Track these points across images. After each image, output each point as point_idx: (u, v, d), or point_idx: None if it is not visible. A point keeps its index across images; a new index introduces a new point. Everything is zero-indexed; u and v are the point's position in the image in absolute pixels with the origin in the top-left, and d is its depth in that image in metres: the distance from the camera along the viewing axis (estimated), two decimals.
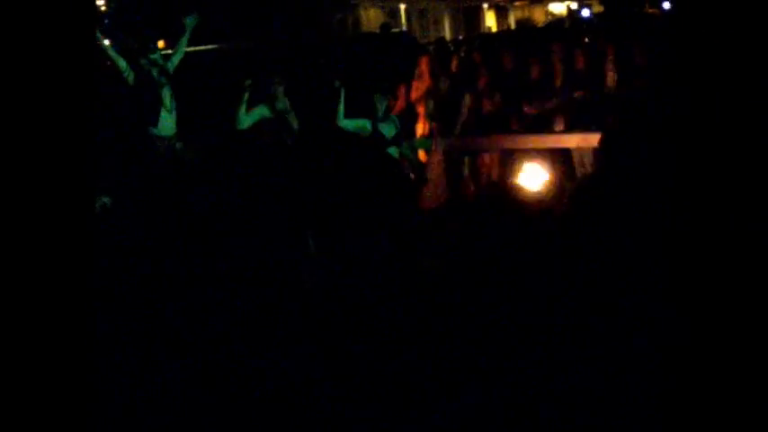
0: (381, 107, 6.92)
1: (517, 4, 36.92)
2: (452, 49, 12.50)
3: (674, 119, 3.04)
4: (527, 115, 7.73)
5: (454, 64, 8.67)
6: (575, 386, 4.04)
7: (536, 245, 5.86)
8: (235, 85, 6.81)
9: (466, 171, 7.87)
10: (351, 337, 4.82)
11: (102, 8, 15.92)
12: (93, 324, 2.92)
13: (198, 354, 4.69)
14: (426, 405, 4.03)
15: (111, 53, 7.46)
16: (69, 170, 2.80)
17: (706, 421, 2.95)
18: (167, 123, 7.52)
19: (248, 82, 6.68)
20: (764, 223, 2.85)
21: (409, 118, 7.84)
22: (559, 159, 7.33)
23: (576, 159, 7.37)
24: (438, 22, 28.58)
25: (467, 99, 7.87)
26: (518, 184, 7.08)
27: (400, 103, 8.11)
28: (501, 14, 35.78)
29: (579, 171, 7.32)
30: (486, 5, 34.07)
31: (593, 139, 6.80)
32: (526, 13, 37.40)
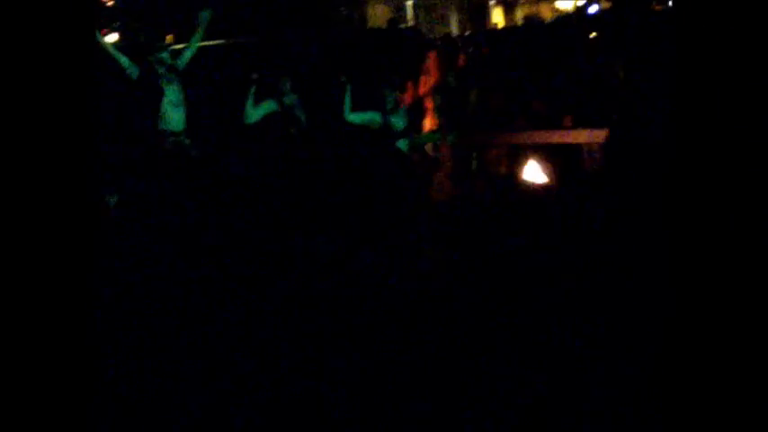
0: (391, 99, 6.90)
1: (524, 0, 36.82)
2: (459, 44, 12.50)
3: (677, 116, 3.04)
4: (534, 111, 7.73)
5: (461, 59, 8.69)
6: (576, 386, 4.06)
7: (543, 240, 5.87)
8: (242, 80, 6.81)
9: (473, 166, 7.89)
10: (355, 336, 4.81)
11: (109, 2, 15.90)
12: (98, 323, 2.92)
13: (200, 354, 4.67)
14: (427, 405, 4.04)
15: (112, 50, 7.30)
16: (72, 168, 2.79)
17: (706, 421, 2.95)
18: (176, 119, 7.40)
19: (255, 76, 6.69)
20: (764, 223, 2.85)
21: (417, 113, 7.85)
22: (566, 155, 7.34)
23: (583, 155, 7.38)
24: (445, 19, 28.48)
25: (473, 95, 7.88)
26: (525, 180, 7.10)
27: (408, 99, 8.13)
28: (508, 11, 35.63)
29: (586, 167, 7.33)
30: (493, 2, 33.93)
31: (600, 135, 6.81)
32: (533, 10, 37.24)
